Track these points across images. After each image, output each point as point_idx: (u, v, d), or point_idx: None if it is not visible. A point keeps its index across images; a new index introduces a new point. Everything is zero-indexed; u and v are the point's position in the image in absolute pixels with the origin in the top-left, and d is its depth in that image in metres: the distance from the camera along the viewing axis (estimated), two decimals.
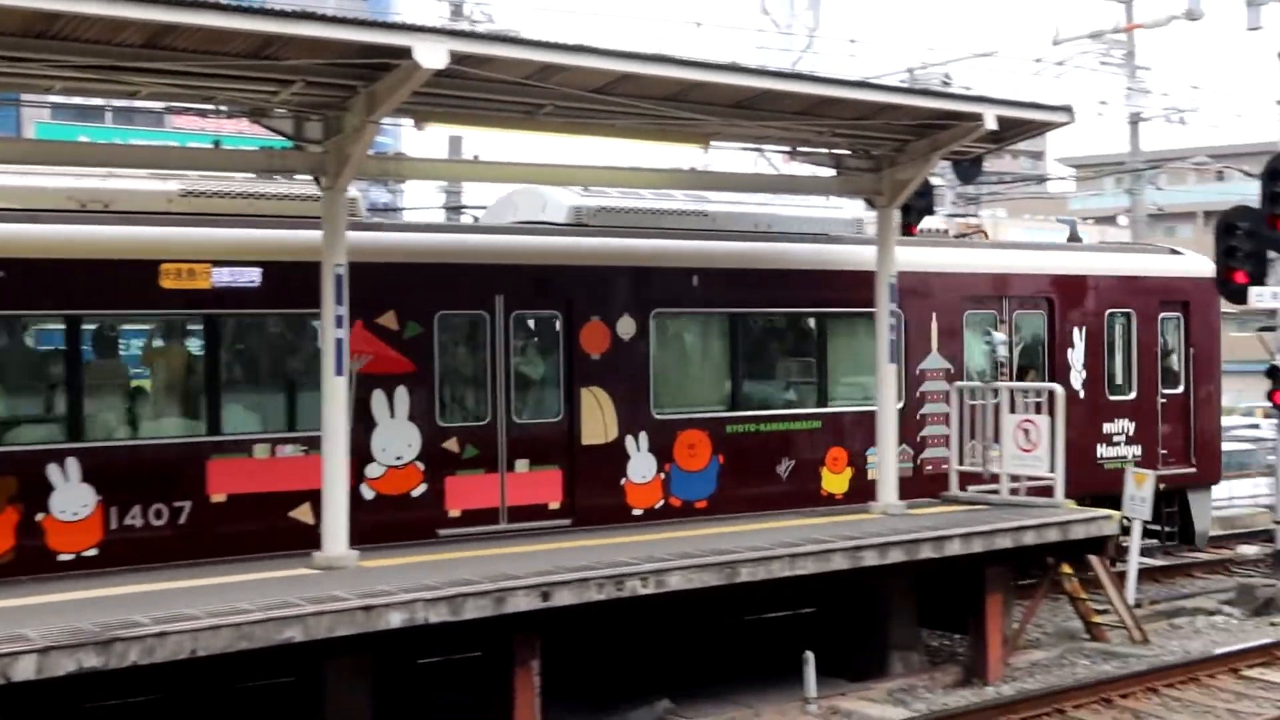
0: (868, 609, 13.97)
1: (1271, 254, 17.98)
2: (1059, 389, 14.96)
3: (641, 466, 14.46)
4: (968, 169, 21.63)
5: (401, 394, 13.13)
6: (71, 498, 11.62)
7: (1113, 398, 18.09)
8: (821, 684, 12.79)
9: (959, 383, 15.96)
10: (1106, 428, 18.03)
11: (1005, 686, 13.52)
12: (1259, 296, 17.68)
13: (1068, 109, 14.46)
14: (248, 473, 12.39)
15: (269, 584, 10.50)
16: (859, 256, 15.62)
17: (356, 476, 12.48)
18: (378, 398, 13.01)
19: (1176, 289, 18.75)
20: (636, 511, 14.38)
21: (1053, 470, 14.70)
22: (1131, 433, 18.22)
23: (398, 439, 13.11)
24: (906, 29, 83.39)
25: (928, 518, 14.12)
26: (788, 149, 15.98)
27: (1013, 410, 14.99)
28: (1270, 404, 17.98)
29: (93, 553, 11.66)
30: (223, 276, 12.36)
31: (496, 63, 11.02)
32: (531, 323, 14.30)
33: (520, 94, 11.85)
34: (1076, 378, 17.66)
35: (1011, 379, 16.45)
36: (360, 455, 12.53)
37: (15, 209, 11.98)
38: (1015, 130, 14.83)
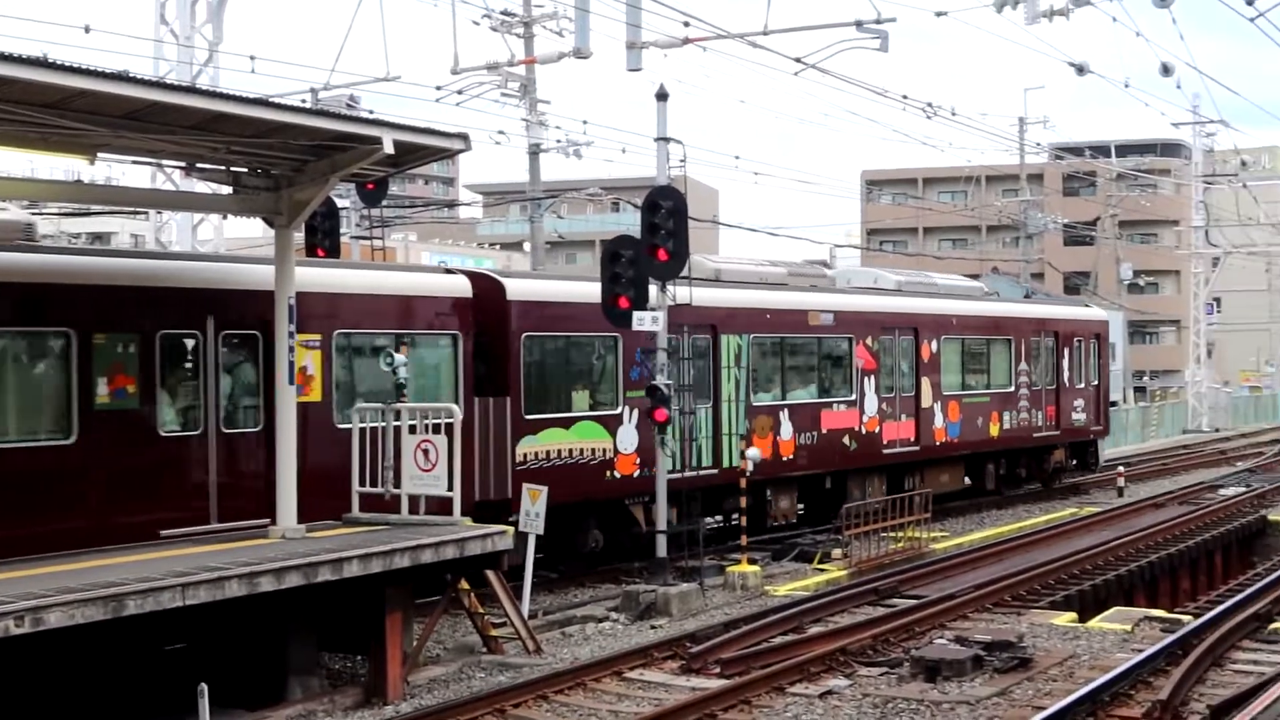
0: (266, 635, 13.71)
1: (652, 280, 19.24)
2: (457, 410, 15.34)
3: None
4: (373, 192, 21.72)
5: None
6: None
7: (1078, 386, 33.12)
8: (219, 715, 12.40)
9: (359, 405, 16.03)
10: (1074, 404, 32.96)
11: (404, 705, 13.67)
12: (640, 320, 18.83)
13: (464, 137, 14.88)
14: None
15: None
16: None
17: None
18: None
19: (1094, 326, 34.51)
20: None
21: (451, 489, 15.05)
22: (1081, 407, 33.11)
23: None
24: (313, 49, 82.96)
25: (328, 540, 14.06)
26: (184, 165, 15.50)
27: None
28: (654, 422, 19.16)
29: None
30: None
31: None
32: None
33: None
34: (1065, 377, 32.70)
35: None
36: None
37: None
38: (414, 155, 15.12)
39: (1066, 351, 32.54)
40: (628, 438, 20.82)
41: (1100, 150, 63.09)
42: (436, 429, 15.31)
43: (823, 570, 21.43)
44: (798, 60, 23.42)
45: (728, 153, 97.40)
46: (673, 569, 19.38)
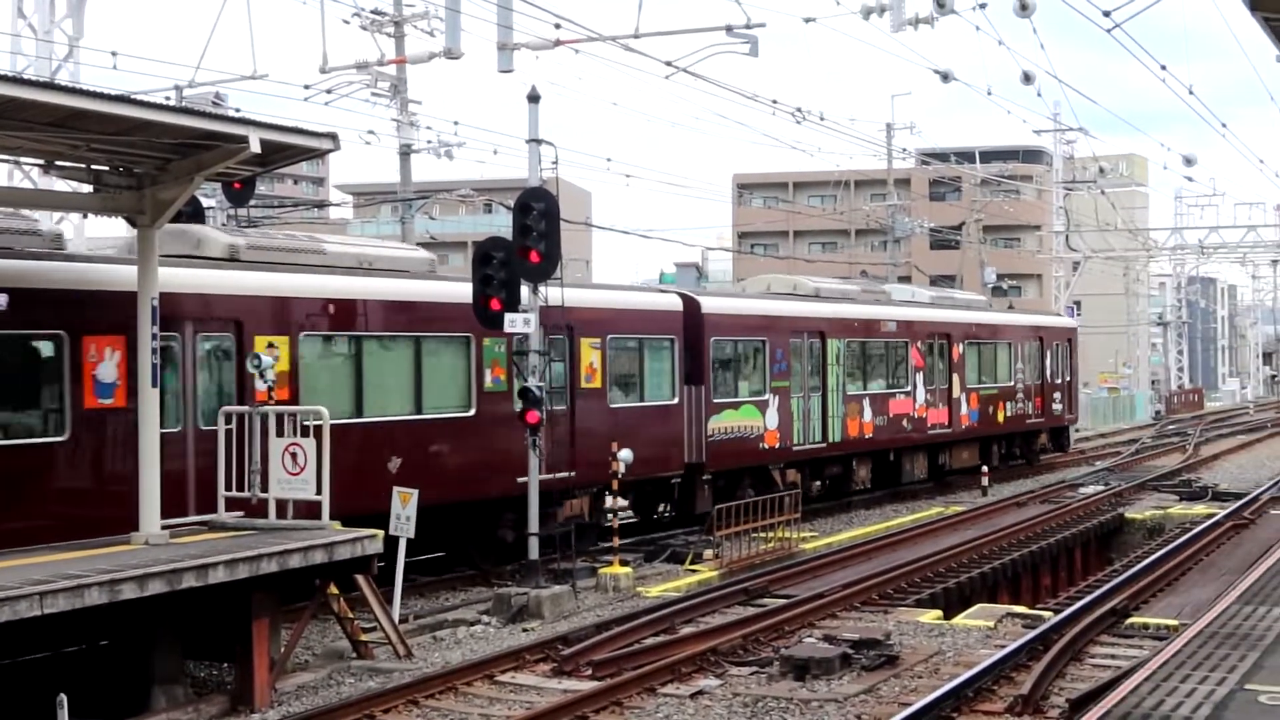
0: (129, 643, 13.42)
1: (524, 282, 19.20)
2: (325, 412, 15.13)
3: None
4: (240, 192, 21.36)
5: None
6: None
7: (1057, 381, 39.72)
8: None
9: (226, 408, 15.76)
10: (1054, 396, 39.43)
11: (271, 712, 13.48)
12: (512, 323, 18.78)
13: (333, 136, 14.72)
14: None
15: None
16: None
17: None
18: None
19: (1067, 332, 41.55)
20: None
21: (319, 492, 14.85)
22: (1059, 399, 39.70)
23: None
24: (177, 46, 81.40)
25: (193, 545, 13.81)
26: (43, 162, 15.12)
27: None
28: (527, 424, 19.13)
29: None
30: None
31: None
32: None
33: None
34: (1048, 374, 39.29)
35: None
36: None
37: None
38: (282, 155, 14.91)
39: (1048, 353, 39.49)
40: (771, 418, 26.73)
41: (965, 156, 64.25)
42: (305, 431, 15.10)
43: (694, 571, 21.56)
44: (669, 64, 23.57)
45: (600, 155, 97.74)
46: (544, 571, 19.35)
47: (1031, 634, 15.56)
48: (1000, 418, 36.47)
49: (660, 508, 26.18)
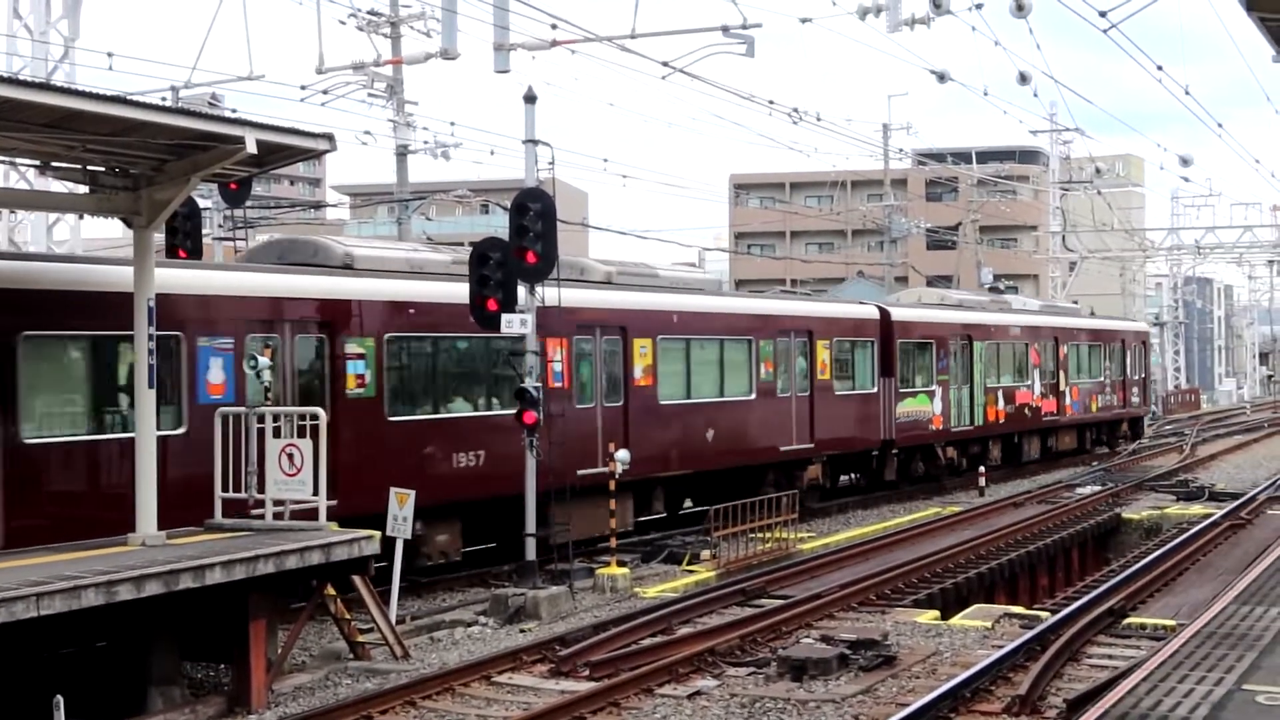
0: (126, 645, 13.40)
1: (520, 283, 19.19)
2: (322, 413, 15.13)
3: None
4: (237, 192, 21.34)
5: None
6: None
7: (1135, 378, 46.59)
8: None
9: (223, 409, 15.75)
10: (1132, 390, 46.24)
11: (268, 713, 13.47)
12: (509, 323, 18.76)
13: (329, 137, 14.70)
14: None
15: None
16: None
17: None
18: None
19: (1142, 335, 48.94)
20: None
21: (316, 493, 14.84)
22: (1137, 392, 46.72)
23: None
24: (173, 47, 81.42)
25: (190, 547, 13.79)
26: (39, 163, 15.11)
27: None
28: (523, 424, 19.10)
29: None
30: None
31: None
32: None
33: None
34: (1128, 372, 46.10)
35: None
36: None
37: None
38: (279, 155, 14.90)
39: (1128, 353, 46.33)
40: (938, 405, 33.23)
41: (961, 157, 64.31)
42: (302, 432, 15.09)
43: (692, 572, 21.54)
44: (665, 64, 23.55)
45: (596, 155, 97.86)
46: (541, 572, 19.34)
47: (1029, 634, 15.56)
48: (1094, 407, 43.33)
49: (849, 477, 32.04)
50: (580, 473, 20.98)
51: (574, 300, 20.59)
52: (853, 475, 32.10)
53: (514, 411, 19.16)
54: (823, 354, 28.73)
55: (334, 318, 18.19)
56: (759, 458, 26.41)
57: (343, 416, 17.77)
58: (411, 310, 19.38)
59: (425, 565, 19.91)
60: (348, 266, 19.23)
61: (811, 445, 27.95)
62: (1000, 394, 36.50)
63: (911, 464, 32.64)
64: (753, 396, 26.23)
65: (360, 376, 18.37)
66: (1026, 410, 38.00)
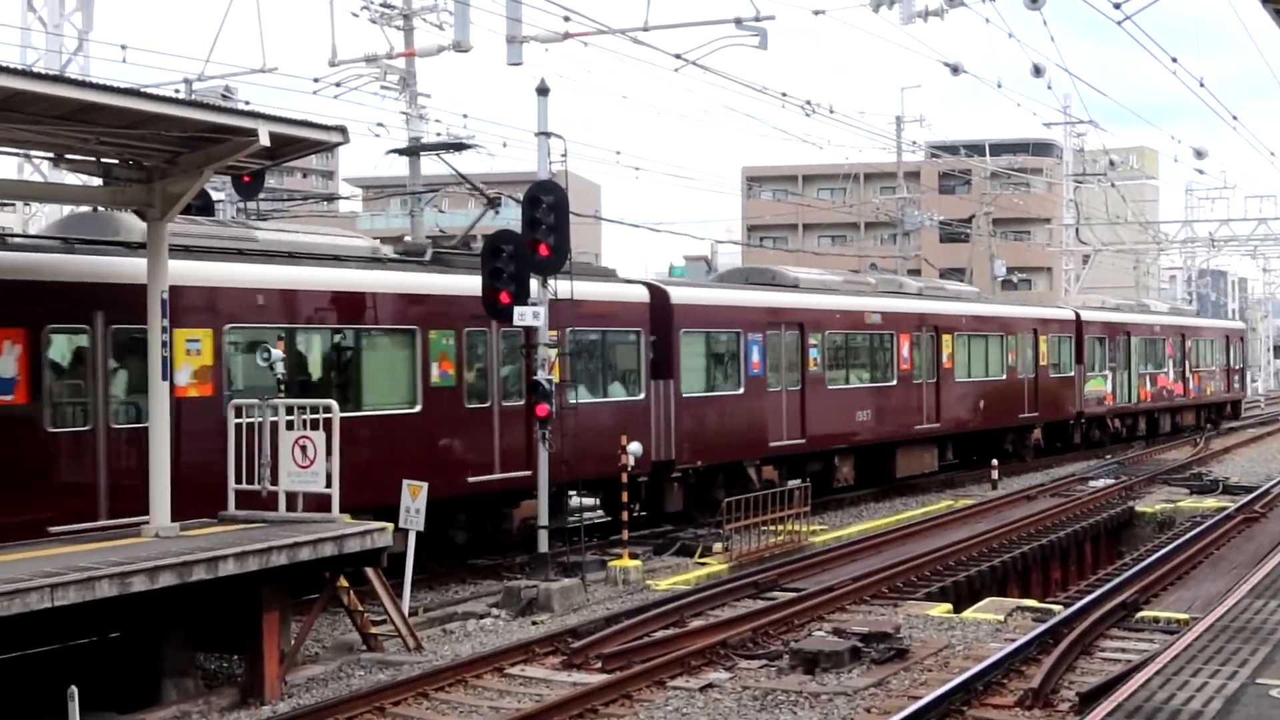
0: (140, 636, 13.44)
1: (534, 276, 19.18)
2: (334, 405, 15.14)
3: None
4: (250, 185, 21.38)
5: None
6: None
7: (1235, 367, 57.24)
8: (90, 718, 12.13)
9: (234, 400, 15.78)
10: (1233, 378, 56.98)
11: (282, 704, 13.49)
12: (521, 316, 18.76)
13: (342, 129, 14.69)
14: None
15: None
16: None
17: None
18: None
19: (1240, 332, 61.60)
20: None
21: (329, 485, 14.86)
22: (1235, 380, 57.03)
23: None
24: (186, 39, 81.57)
25: (203, 538, 13.82)
26: (53, 155, 15.14)
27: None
28: (537, 417, 19.12)
29: None
30: None
31: None
32: None
33: None
34: (1222, 363, 55.11)
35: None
36: None
37: None
38: (291, 147, 14.89)
39: (1232, 346, 55.89)
40: (1108, 386, 42.86)
41: (975, 149, 64.18)
42: (315, 425, 15.11)
43: (704, 564, 21.55)
44: (678, 56, 23.52)
45: (609, 148, 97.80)
46: (554, 564, 19.35)
47: (1041, 627, 15.54)
48: (1209, 390, 53.02)
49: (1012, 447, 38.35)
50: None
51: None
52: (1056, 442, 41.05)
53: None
54: (1043, 345, 38.62)
55: None
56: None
57: None
58: None
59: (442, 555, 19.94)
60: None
61: (1036, 414, 38.38)
62: (1148, 378, 46.41)
63: (1090, 430, 42.80)
64: (1003, 377, 36.38)
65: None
66: (1164, 392, 47.96)
